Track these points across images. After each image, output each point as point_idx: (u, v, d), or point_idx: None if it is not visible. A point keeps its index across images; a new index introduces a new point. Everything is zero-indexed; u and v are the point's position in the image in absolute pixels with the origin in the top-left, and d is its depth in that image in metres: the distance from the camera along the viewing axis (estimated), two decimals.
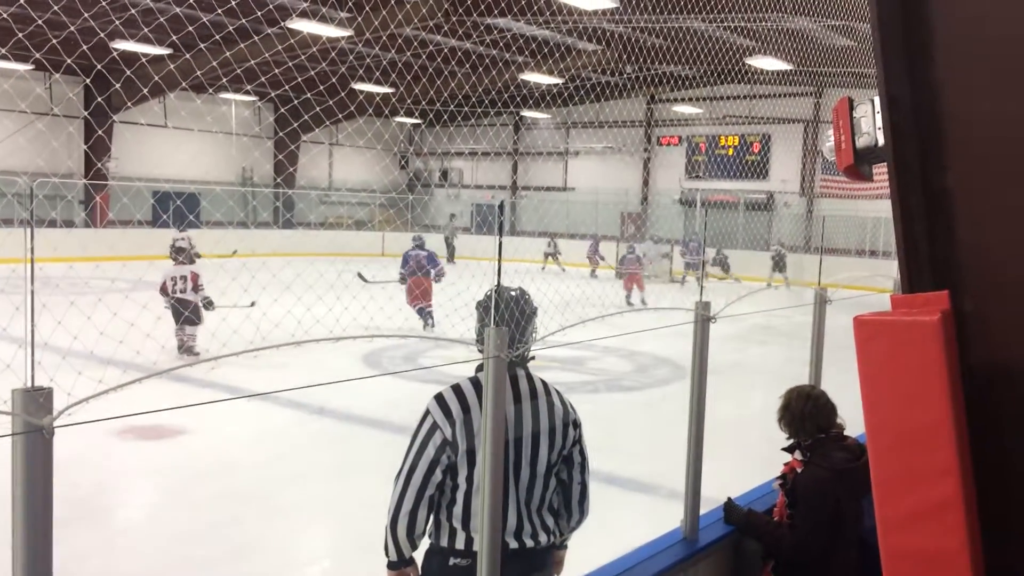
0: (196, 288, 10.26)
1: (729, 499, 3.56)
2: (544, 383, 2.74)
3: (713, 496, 3.55)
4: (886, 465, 1.43)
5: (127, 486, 6.31)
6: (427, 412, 2.61)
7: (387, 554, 2.64)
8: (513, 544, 2.60)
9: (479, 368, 2.67)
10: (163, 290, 10.33)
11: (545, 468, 2.68)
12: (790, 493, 3.28)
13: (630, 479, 6.43)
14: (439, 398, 2.62)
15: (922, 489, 1.38)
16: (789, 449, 3.35)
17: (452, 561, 2.60)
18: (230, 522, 5.45)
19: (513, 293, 2.69)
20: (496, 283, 2.63)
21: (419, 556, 2.72)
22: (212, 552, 5.04)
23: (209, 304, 10.04)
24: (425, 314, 12.36)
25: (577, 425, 2.80)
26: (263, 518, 5.55)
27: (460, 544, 2.58)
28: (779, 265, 22.16)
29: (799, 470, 3.27)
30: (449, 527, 2.60)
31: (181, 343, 10.01)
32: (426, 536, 2.67)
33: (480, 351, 2.65)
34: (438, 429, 2.56)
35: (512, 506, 2.61)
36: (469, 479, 2.56)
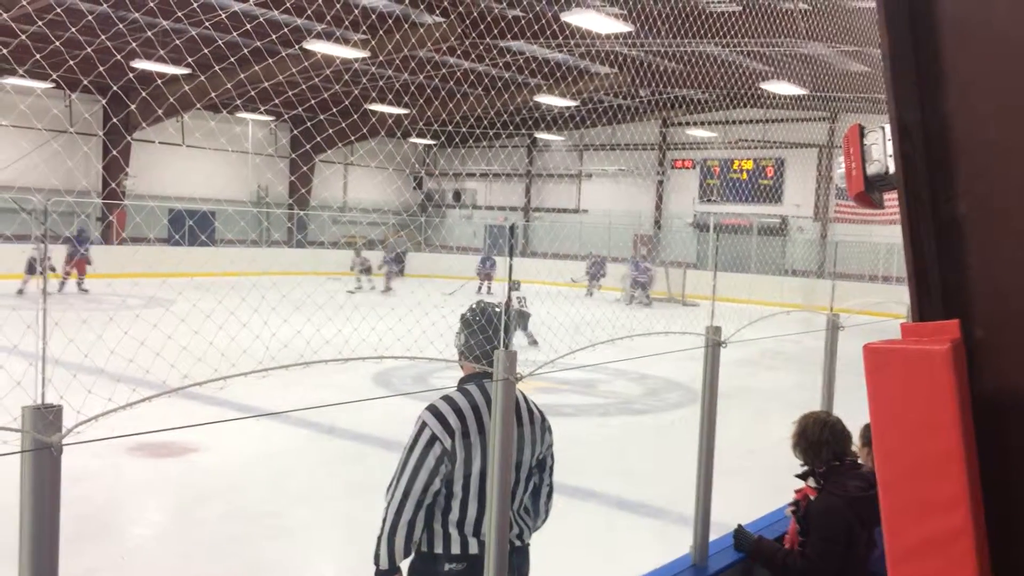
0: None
1: (739, 525, 3.53)
2: (522, 393, 2.83)
3: (723, 522, 3.53)
4: (895, 495, 1.41)
5: (138, 503, 6.32)
6: (423, 424, 2.66)
7: (378, 563, 2.67)
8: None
9: (464, 380, 2.79)
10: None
11: (526, 472, 2.83)
12: (802, 520, 3.25)
13: (639, 503, 6.39)
14: (434, 411, 2.67)
15: (931, 519, 1.36)
16: (802, 476, 3.32)
17: (447, 567, 2.66)
18: (240, 540, 5.45)
19: (497, 309, 2.79)
20: (506, 302, 2.68)
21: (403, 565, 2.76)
22: (222, 570, 5.04)
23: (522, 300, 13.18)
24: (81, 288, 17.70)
25: (550, 431, 2.95)
26: (273, 537, 5.54)
27: (456, 548, 2.66)
28: (596, 275, 24.25)
29: (812, 497, 3.24)
30: (444, 533, 2.67)
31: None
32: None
33: (461, 366, 2.81)
34: (437, 441, 2.62)
35: None
36: (465, 487, 2.65)
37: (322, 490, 6.46)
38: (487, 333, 2.73)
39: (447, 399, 2.71)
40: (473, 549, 2.65)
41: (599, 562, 5.00)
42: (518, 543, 2.77)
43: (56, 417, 1.59)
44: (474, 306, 2.84)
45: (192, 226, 22.31)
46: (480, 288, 23.62)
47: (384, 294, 21.41)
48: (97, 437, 1.69)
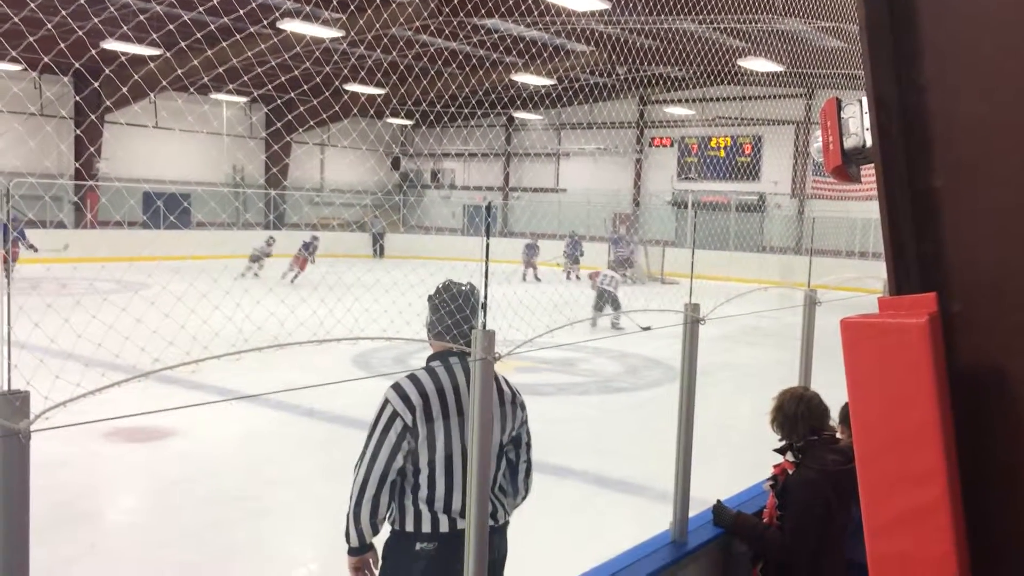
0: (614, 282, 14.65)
1: (718, 501, 3.55)
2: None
3: (703, 498, 3.54)
4: (873, 468, 1.41)
5: (113, 489, 6.27)
6: (386, 401, 2.70)
7: (348, 541, 2.71)
8: None
9: (431, 358, 2.82)
10: (593, 276, 15.01)
11: (498, 450, 2.83)
12: (780, 495, 3.27)
13: (619, 481, 6.42)
14: (397, 388, 2.71)
15: (909, 492, 1.36)
16: (781, 451, 3.33)
17: (419, 545, 2.68)
18: (217, 524, 5.42)
19: (464, 288, 2.83)
20: (484, 283, 2.66)
21: (379, 543, 2.77)
22: (198, 555, 5.01)
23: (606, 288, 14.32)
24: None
25: (524, 407, 2.95)
26: (250, 520, 5.52)
27: (427, 527, 2.68)
28: (572, 257, 24.30)
29: (790, 472, 3.26)
30: (415, 511, 2.70)
31: (594, 321, 13.90)
32: (387, 523, 2.75)
33: (430, 344, 2.84)
34: (399, 417, 2.66)
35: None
36: (431, 463, 2.67)
37: (301, 473, 6.43)
38: (451, 311, 2.76)
39: (411, 377, 2.75)
40: (444, 527, 2.68)
41: (579, 540, 5.02)
42: (492, 523, 2.77)
43: (23, 403, 1.55)
44: (440, 285, 2.87)
45: (164, 209, 21.96)
46: (524, 275, 22.79)
47: (283, 278, 19.03)
48: (67, 423, 1.65)
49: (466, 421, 2.71)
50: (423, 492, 2.68)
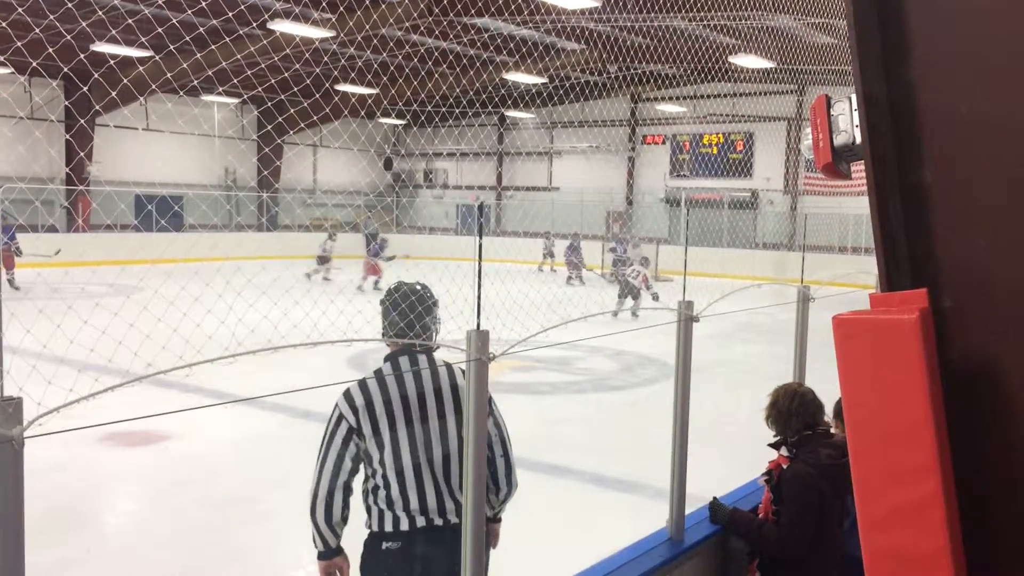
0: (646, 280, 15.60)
1: (714, 498, 3.56)
2: (448, 365, 2.90)
3: (699, 495, 3.55)
4: (866, 463, 1.42)
5: (110, 493, 6.26)
6: (335, 406, 2.80)
7: (315, 545, 2.78)
8: (438, 522, 2.73)
9: (385, 358, 2.91)
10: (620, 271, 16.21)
11: (457, 444, 2.81)
12: (775, 489, 3.28)
13: (615, 479, 6.43)
14: (345, 392, 2.81)
15: (902, 487, 1.37)
16: (775, 446, 3.35)
17: (385, 545, 2.74)
18: (215, 527, 5.41)
19: (418, 288, 2.93)
20: (477, 283, 2.66)
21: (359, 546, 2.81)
22: (196, 558, 5.00)
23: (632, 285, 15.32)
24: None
25: (491, 402, 2.90)
26: (248, 523, 5.51)
27: (389, 526, 2.74)
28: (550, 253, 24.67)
29: (785, 466, 3.27)
30: (378, 511, 2.76)
31: (616, 312, 14.68)
32: (364, 526, 2.80)
33: (388, 344, 2.94)
34: (344, 420, 2.76)
35: (430, 486, 2.75)
36: (382, 464, 2.73)
37: (298, 474, 6.39)
38: (402, 312, 2.82)
39: (360, 382, 2.82)
40: (404, 526, 2.71)
41: (576, 538, 5.03)
42: (455, 520, 2.73)
43: (16, 410, 1.54)
44: (392, 287, 2.94)
45: (155, 212, 21.91)
46: (570, 278, 22.07)
47: (376, 290, 16.98)
48: (61, 429, 1.65)
49: (415, 421, 2.77)
50: (382, 493, 2.75)
